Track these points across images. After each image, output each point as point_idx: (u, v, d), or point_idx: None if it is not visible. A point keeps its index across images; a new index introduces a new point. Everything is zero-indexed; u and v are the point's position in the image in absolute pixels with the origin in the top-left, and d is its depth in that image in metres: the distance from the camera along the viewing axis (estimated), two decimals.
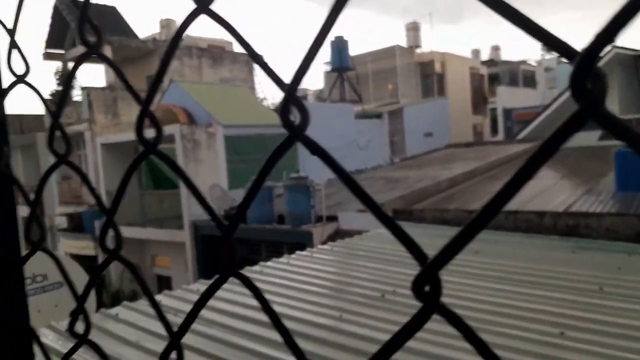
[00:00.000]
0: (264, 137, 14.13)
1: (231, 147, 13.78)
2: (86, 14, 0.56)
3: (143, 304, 3.83)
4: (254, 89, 22.21)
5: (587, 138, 16.68)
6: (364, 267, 4.38)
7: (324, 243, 5.88)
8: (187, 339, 2.63)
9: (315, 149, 0.38)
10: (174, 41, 0.50)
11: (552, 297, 3.52)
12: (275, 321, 0.44)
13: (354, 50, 23.87)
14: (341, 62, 21.89)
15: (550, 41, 0.29)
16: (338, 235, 8.18)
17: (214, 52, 21.39)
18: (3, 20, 0.68)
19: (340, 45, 21.79)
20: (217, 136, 13.42)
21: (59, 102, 0.63)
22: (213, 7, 0.45)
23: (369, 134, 18.01)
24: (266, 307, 0.45)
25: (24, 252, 0.67)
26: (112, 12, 21.57)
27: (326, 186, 10.80)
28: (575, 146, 16.48)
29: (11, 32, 0.64)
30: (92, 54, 0.58)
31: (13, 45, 0.64)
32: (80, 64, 0.66)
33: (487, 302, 3.45)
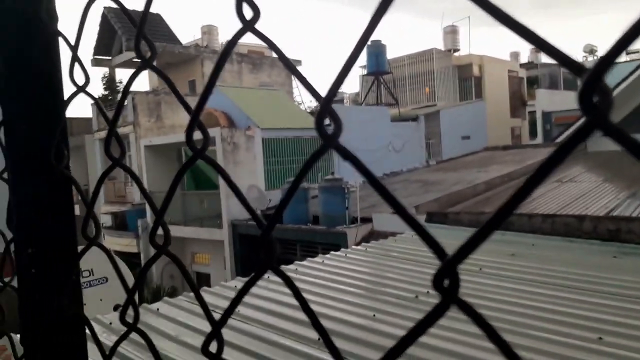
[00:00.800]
0: (300, 139, 14.31)
1: (268, 150, 14.03)
2: (142, 30, 0.59)
3: (182, 300, 3.98)
4: (292, 93, 22.48)
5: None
6: (398, 269, 4.40)
7: (358, 244, 5.93)
8: (226, 334, 2.74)
9: (347, 155, 0.41)
10: (222, 57, 0.53)
11: (590, 302, 3.46)
12: (312, 318, 0.46)
13: (390, 53, 23.80)
14: (378, 66, 21.87)
15: (555, 55, 0.31)
16: (372, 236, 8.20)
17: (254, 58, 21.80)
18: (65, 34, 0.73)
19: (377, 50, 21.78)
20: (255, 139, 13.68)
21: (116, 111, 0.68)
22: (257, 25, 0.48)
23: (405, 136, 17.92)
24: (302, 302, 0.47)
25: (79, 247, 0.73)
26: (156, 19, 22.27)
27: (361, 188, 10.83)
28: (618, 149, 15.90)
29: (74, 48, 0.68)
30: (147, 68, 0.62)
31: (75, 59, 0.68)
32: (136, 77, 0.73)
33: (522, 305, 3.43)
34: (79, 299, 0.69)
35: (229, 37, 0.52)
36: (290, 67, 0.51)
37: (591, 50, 34.17)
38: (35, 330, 0.63)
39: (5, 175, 0.67)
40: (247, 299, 3.76)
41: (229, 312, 0.54)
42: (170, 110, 18.07)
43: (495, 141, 22.03)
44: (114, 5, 0.68)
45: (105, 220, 17.51)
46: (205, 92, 0.55)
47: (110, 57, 21.68)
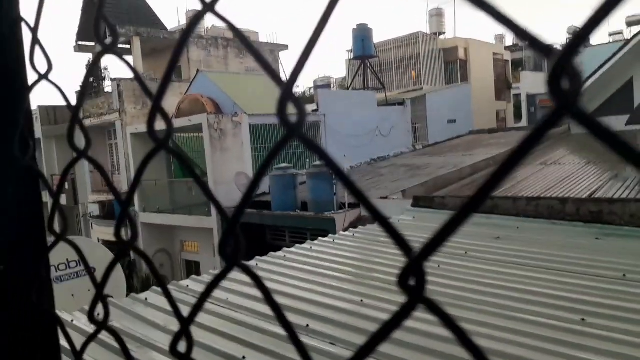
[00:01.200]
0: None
1: (256, 136, 13.96)
2: (101, 12, 0.56)
3: (171, 288, 3.97)
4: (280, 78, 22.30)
5: (615, 122, 16.29)
6: (385, 254, 4.43)
7: (346, 229, 5.95)
8: (214, 323, 2.73)
9: (311, 146, 0.39)
10: (181, 41, 0.51)
11: (574, 283, 3.52)
12: (278, 313, 0.45)
13: (377, 36, 23.67)
14: (364, 50, 21.76)
15: (526, 37, 0.30)
16: (360, 221, 8.23)
17: (240, 43, 21.53)
18: (26, 18, 0.68)
19: (363, 34, 21.65)
20: (243, 125, 13.60)
21: (78, 98, 0.64)
22: (218, 7, 0.46)
23: (392, 121, 17.93)
24: (268, 297, 0.46)
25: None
26: (141, 4, 21.86)
27: (349, 173, 10.81)
28: None
29: (33, 30, 0.64)
30: (108, 53, 0.58)
31: (35, 42, 0.63)
32: (97, 63, 0.71)
33: (507, 287, 3.48)
34: (49, 295, 0.67)
35: (215, 22, 0.48)
36: (253, 51, 0.48)
37: (575, 32, 34.28)
38: (5, 328, 0.61)
39: None
40: (236, 286, 3.77)
41: (196, 309, 0.52)
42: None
43: (480, 124, 22.14)
44: None
45: (93, 209, 17.36)
46: (165, 78, 0.52)
47: (93, 43, 21.27)
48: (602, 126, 0.28)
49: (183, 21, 25.05)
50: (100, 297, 0.59)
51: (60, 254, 5.25)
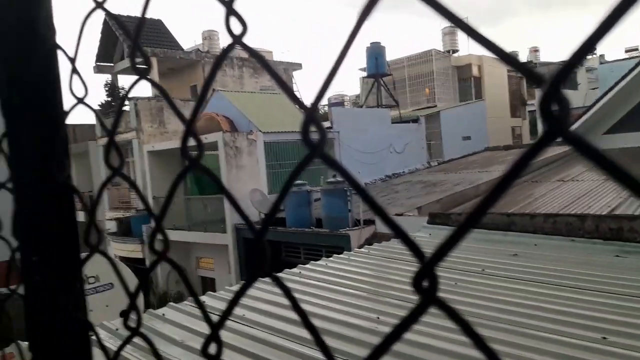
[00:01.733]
0: (301, 143, 14.35)
1: (271, 153, 14.07)
2: (137, 42, 0.61)
3: (188, 304, 3.99)
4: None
5: (634, 139, 16.05)
6: (401, 270, 4.41)
7: (361, 246, 5.93)
8: (228, 338, 2.75)
9: (333, 164, 0.42)
10: (213, 70, 0.55)
11: (594, 301, 3.46)
12: (304, 319, 0.47)
13: (390, 54, 23.82)
14: (377, 68, 21.89)
15: (515, 65, 0.32)
16: (375, 238, 8.21)
17: (254, 62, 21.86)
18: (64, 45, 0.74)
19: (376, 52, 21.80)
20: (258, 142, 13.73)
21: (114, 122, 0.69)
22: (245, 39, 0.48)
23: (406, 138, 17.93)
24: (295, 305, 0.48)
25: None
26: (157, 25, 22.37)
27: (367, 190, 10.79)
28: (620, 147, 15.90)
29: (72, 60, 0.70)
30: (143, 79, 0.64)
31: (74, 71, 0.69)
32: (132, 89, 0.75)
33: (525, 305, 3.43)
34: (83, 305, 0.71)
35: (229, 41, 0.52)
36: (277, 78, 0.52)
37: (564, 60, 34.14)
38: (42, 337, 0.64)
39: (9, 185, 0.68)
40: (251, 302, 3.78)
41: (226, 314, 0.55)
42: (173, 116, 18.15)
43: (496, 141, 22.02)
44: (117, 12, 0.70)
45: (110, 226, 17.55)
46: (199, 103, 0.57)
47: (112, 64, 21.77)
48: (593, 148, 0.30)
49: (199, 41, 25.53)
50: (133, 305, 0.62)
51: None
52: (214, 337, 0.54)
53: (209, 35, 24.78)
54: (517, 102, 28.46)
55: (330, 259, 4.99)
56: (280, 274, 4.67)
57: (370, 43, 21.95)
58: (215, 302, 3.97)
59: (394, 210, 10.80)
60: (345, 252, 5.31)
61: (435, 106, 23.45)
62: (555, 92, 0.30)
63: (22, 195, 0.64)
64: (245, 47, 0.49)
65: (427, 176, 15.50)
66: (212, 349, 0.53)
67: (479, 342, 0.35)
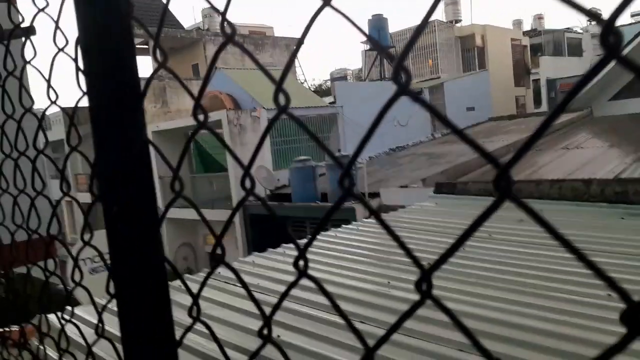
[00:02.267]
0: (305, 118, 14.34)
1: (275, 130, 14.09)
2: (158, 41, 0.70)
3: (202, 275, 4.11)
4: (295, 73, 22.41)
5: (638, 104, 15.96)
6: (410, 238, 4.50)
7: (368, 217, 6.02)
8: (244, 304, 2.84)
9: (419, 100, 0.49)
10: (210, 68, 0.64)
11: (599, 262, 3.48)
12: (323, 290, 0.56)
13: (392, 26, 23.55)
14: (380, 41, 21.68)
15: (578, 7, 0.39)
16: (380, 210, 8.29)
17: (255, 38, 21.78)
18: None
19: (378, 24, 21.57)
20: (261, 120, 13.74)
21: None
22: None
23: (410, 111, 17.87)
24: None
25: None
26: (157, 4, 22.15)
27: (368, 164, 10.88)
28: (625, 113, 15.82)
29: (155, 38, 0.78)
30: (162, 68, 0.74)
31: (157, 37, 0.78)
32: (152, 77, 0.81)
33: (532, 267, 3.52)
34: (160, 248, 0.78)
35: (231, 19, 0.63)
36: (268, 74, 0.59)
37: (595, 14, 33.65)
38: (125, 273, 0.72)
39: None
40: (263, 271, 3.89)
41: (278, 303, 0.65)
42: (176, 95, 18.13)
43: (499, 111, 21.92)
44: None
45: None
46: (204, 83, 0.66)
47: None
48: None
49: (199, 19, 25.30)
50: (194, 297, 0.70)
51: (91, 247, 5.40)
52: (266, 324, 0.67)
53: (209, 13, 24.54)
54: (521, 71, 28.19)
55: (339, 229, 5.08)
56: (289, 244, 4.78)
57: (372, 15, 21.71)
58: (228, 272, 4.08)
59: (399, 182, 10.86)
60: (353, 222, 5.40)
61: (439, 77, 23.30)
62: (611, 25, 0.37)
63: (106, 152, 0.71)
64: (238, 45, 0.64)
65: (432, 148, 15.52)
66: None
67: (473, 339, 0.43)
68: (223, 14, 0.62)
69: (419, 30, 0.48)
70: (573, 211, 4.99)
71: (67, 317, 1.36)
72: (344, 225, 5.21)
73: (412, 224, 5.05)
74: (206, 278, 0.73)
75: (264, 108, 14.02)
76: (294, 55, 0.56)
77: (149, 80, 0.75)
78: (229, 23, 0.62)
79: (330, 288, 3.44)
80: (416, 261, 0.47)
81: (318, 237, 4.90)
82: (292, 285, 0.62)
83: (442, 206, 5.72)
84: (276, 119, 0.64)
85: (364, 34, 0.52)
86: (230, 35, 0.62)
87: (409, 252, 0.48)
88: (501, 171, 0.41)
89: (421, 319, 2.59)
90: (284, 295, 0.63)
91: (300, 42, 0.56)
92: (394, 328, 0.50)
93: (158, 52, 0.69)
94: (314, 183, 11.44)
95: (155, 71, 0.76)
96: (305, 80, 25.65)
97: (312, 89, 21.94)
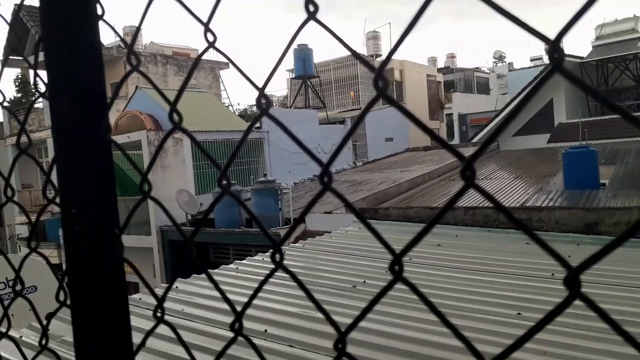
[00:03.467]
0: (230, 142, 14.23)
1: (198, 153, 13.81)
2: (132, 48, 0.74)
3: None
4: (220, 96, 22.22)
5: (538, 140, 17.56)
6: (335, 262, 4.60)
7: (295, 242, 6.07)
8: (168, 331, 2.76)
9: (397, 106, 0.56)
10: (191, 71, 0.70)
11: (509, 283, 3.84)
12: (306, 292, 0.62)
13: (317, 57, 24.20)
14: (305, 70, 22.17)
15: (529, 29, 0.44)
16: (305, 236, 8.36)
17: (179, 60, 21.33)
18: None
19: (304, 54, 22.07)
20: (184, 142, 13.42)
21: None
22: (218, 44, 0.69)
23: (333, 139, 18.31)
24: (298, 282, 0.62)
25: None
26: None
27: (293, 189, 10.96)
28: (526, 148, 17.30)
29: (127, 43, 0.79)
30: (134, 71, 0.78)
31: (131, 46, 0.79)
32: (122, 83, 0.84)
33: (448, 289, 3.73)
34: (120, 244, 0.78)
35: (154, 39, 0.67)
36: (249, 83, 0.66)
37: (500, 57, 36.74)
38: (83, 279, 0.72)
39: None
40: (187, 297, 3.79)
41: (251, 299, 0.69)
42: None
43: (416, 142, 23.06)
44: (26, 2, 0.80)
45: (22, 230, 16.38)
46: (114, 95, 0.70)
47: (22, 58, 20.30)
48: (584, 83, 0.45)
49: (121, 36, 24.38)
50: (159, 301, 0.72)
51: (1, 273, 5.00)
52: (237, 319, 0.63)
53: (131, 32, 23.85)
54: (435, 105, 29.97)
55: (266, 254, 5.08)
56: (216, 270, 4.70)
57: (298, 45, 22.19)
58: (149, 299, 3.94)
59: (323, 208, 11.04)
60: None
61: (360, 108, 24.15)
62: (557, 43, 0.43)
63: (65, 152, 0.71)
64: (143, 75, 0.73)
65: (354, 175, 15.95)
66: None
67: (435, 310, 0.52)
68: (130, 47, 0.67)
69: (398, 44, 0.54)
70: (485, 236, 5.37)
71: None
72: (271, 250, 5.21)
73: (338, 247, 5.17)
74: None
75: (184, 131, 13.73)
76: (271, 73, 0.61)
77: (120, 84, 0.77)
78: (135, 55, 0.71)
79: (258, 313, 3.44)
80: (386, 244, 0.54)
81: (245, 261, 4.87)
82: (267, 277, 0.66)
83: (365, 231, 5.90)
84: (169, 135, 0.69)
85: (360, 58, 0.58)
86: (135, 66, 0.72)
87: (384, 242, 0.54)
88: (466, 164, 0.49)
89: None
90: (257, 291, 0.67)
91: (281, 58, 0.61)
92: (365, 312, 0.56)
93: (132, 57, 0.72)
94: (238, 208, 11.31)
95: (127, 74, 0.78)
96: (231, 105, 25.56)
97: (238, 114, 21.83)
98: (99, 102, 0.70)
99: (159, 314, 0.74)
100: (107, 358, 0.72)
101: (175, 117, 0.69)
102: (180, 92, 0.71)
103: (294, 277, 0.64)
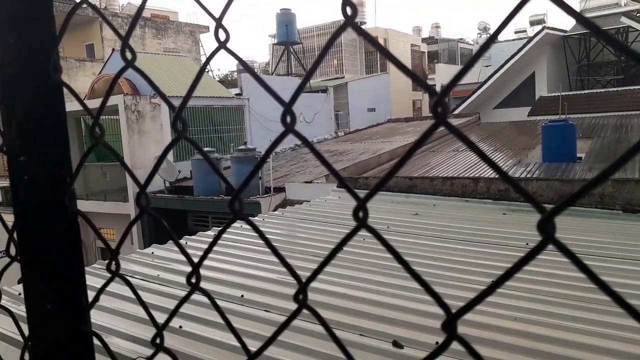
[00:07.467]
0: (210, 108, 13.99)
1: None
2: (127, 40, 0.69)
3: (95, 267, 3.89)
4: (199, 60, 21.72)
5: (519, 113, 17.68)
6: (313, 229, 4.60)
7: (274, 211, 6.06)
8: (147, 297, 2.74)
9: (456, 132, 0.48)
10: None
11: (485, 252, 3.89)
12: (276, 254, 0.58)
13: (300, 23, 23.73)
14: (288, 36, 21.74)
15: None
16: (285, 205, 8.36)
17: (158, 22, 20.69)
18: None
19: (286, 19, 21.59)
20: (162, 107, 13.16)
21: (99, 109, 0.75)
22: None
23: (315, 108, 18.17)
24: (268, 244, 0.58)
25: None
26: None
27: (274, 158, 10.88)
28: (507, 121, 17.42)
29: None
30: (130, 67, 0.71)
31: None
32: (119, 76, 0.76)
33: (425, 257, 3.77)
34: (75, 199, 0.74)
35: (131, 0, 0.60)
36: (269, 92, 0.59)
37: (484, 28, 36.54)
38: (29, 228, 0.67)
39: None
40: (165, 263, 3.76)
41: (205, 254, 0.66)
42: (67, 76, 16.75)
43: (398, 113, 23.05)
44: None
45: None
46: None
47: None
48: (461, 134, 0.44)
49: None
50: (113, 254, 0.68)
51: None
52: (195, 271, 0.59)
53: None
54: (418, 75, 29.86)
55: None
56: (193, 237, 4.67)
57: (281, 9, 21.68)
58: (128, 265, 3.90)
59: (304, 177, 11.02)
60: (259, 214, 5.40)
61: (343, 77, 23.92)
62: (441, 98, 0.43)
63: (13, 91, 0.65)
64: (230, 52, 0.63)
65: (335, 145, 15.91)
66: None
67: (402, 261, 0.48)
68: (124, 40, 0.61)
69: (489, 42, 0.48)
70: (462, 206, 5.41)
71: None
72: (250, 218, 5.19)
73: (317, 215, 5.17)
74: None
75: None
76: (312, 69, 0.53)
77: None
78: (130, 49, 0.66)
79: (236, 279, 3.43)
80: (351, 191, 0.51)
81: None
82: (227, 226, 0.62)
83: (345, 200, 5.91)
84: (124, 70, 0.63)
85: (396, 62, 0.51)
86: (130, 61, 0.66)
87: (348, 187, 0.51)
88: (437, 99, 0.46)
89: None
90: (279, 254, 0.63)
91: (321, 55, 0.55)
92: (326, 261, 0.53)
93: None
94: (217, 176, 11.22)
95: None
96: (211, 70, 25.02)
97: (218, 79, 21.43)
98: (46, 40, 0.64)
99: (113, 268, 0.70)
100: (59, 315, 0.68)
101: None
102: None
103: (255, 227, 0.60)
